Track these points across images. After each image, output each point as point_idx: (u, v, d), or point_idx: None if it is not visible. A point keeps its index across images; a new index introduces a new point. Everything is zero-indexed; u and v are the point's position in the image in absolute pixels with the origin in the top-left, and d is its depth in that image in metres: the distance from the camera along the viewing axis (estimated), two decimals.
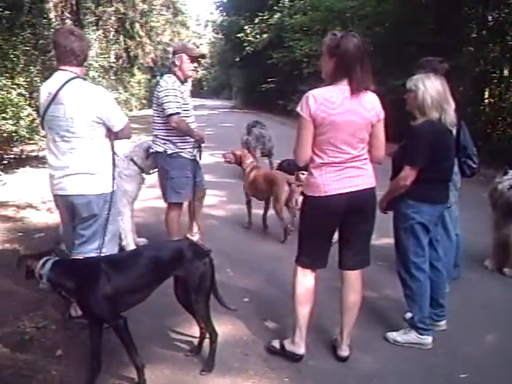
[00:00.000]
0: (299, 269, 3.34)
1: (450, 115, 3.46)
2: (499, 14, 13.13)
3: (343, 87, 3.02)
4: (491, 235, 5.02)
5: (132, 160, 5.30)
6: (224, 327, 3.74)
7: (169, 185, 4.93)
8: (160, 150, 4.92)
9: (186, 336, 3.70)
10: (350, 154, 3.07)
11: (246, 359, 3.45)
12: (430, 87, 3.41)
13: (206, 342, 3.41)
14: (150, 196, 7.05)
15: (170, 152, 4.88)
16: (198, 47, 48.70)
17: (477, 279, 4.73)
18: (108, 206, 3.66)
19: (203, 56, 4.91)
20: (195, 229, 5.39)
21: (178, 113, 4.74)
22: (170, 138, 4.88)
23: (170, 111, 4.71)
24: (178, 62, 4.89)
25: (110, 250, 3.75)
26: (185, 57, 4.88)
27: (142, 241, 5.51)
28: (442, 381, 3.24)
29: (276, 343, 3.50)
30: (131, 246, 5.21)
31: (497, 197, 4.80)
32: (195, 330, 3.53)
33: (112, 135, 3.69)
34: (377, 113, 3.12)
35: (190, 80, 5.11)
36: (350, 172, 3.10)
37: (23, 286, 4.10)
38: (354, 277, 3.35)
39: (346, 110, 3.00)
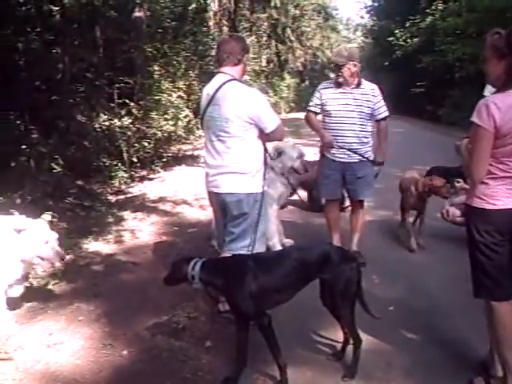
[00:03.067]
0: (491, 304, 2.97)
1: None
2: None
3: None
4: None
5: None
6: (367, 335, 3.68)
7: None
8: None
9: (330, 340, 3.71)
10: None
11: (388, 370, 3.39)
12: None
13: (349, 347, 3.40)
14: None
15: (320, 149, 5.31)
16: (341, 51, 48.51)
17: None
18: (258, 205, 3.77)
19: (339, 63, 4.88)
20: (354, 239, 5.37)
21: (311, 111, 5.19)
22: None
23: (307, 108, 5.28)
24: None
25: (258, 248, 3.85)
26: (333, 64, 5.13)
27: (289, 242, 5.61)
28: None
29: None
30: (277, 247, 5.33)
31: None
32: (339, 335, 3.54)
33: (264, 136, 3.79)
34: None
35: (368, 86, 5.09)
36: None
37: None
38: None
39: None
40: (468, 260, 3.08)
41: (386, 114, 5.16)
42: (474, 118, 2.83)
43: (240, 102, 3.63)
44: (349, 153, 5.00)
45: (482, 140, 2.81)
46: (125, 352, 3.57)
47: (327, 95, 5.06)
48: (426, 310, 4.20)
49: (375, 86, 5.10)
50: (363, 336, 3.44)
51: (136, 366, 3.41)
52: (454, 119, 19.93)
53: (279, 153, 5.34)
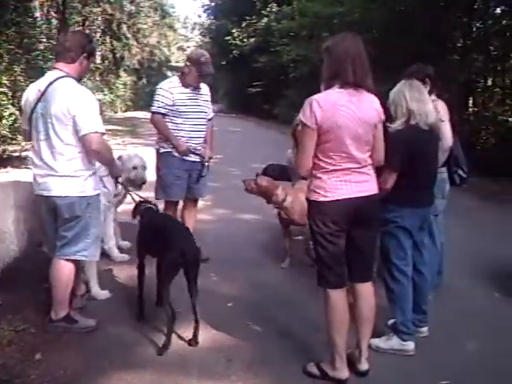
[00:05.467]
0: (327, 292, 3.12)
1: (427, 119, 3.43)
2: (484, 25, 13.34)
3: (345, 89, 2.96)
4: None
5: None
6: (207, 332, 3.71)
7: (158, 182, 5.13)
8: (156, 147, 5.16)
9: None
10: (358, 159, 3.01)
11: (228, 364, 3.40)
12: (406, 94, 3.44)
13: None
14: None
15: (161, 151, 5.06)
16: (184, 50, 48.64)
17: (459, 287, 4.71)
18: (91, 208, 3.62)
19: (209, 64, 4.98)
20: None
21: (160, 113, 4.91)
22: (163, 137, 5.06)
23: (151, 109, 5.00)
24: (186, 71, 4.97)
25: (92, 252, 3.73)
26: (194, 71, 4.91)
27: (126, 244, 5.45)
28: None
29: (314, 369, 3.26)
30: (114, 250, 5.16)
31: None
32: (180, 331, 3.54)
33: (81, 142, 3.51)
34: (379, 114, 3.09)
35: (205, 87, 5.19)
36: (358, 177, 3.03)
37: (2, 289, 4.02)
38: (368, 289, 3.25)
39: (352, 113, 2.94)
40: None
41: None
42: (300, 115, 3.00)
43: (64, 99, 3.42)
44: (197, 151, 5.01)
45: (306, 135, 2.99)
46: None
47: (178, 95, 4.91)
48: (265, 305, 4.29)
49: (207, 87, 5.23)
50: (202, 334, 3.51)
51: None
52: (289, 118, 20.94)
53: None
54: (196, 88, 5.01)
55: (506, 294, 4.62)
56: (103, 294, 4.34)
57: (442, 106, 4.16)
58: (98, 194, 3.72)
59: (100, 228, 3.93)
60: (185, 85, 4.95)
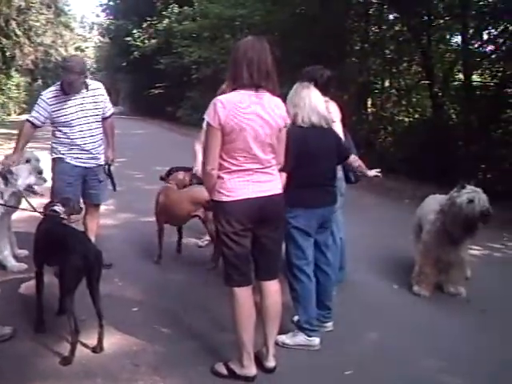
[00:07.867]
0: (233, 290, 3.14)
1: (310, 119, 3.53)
2: (379, 30, 14.05)
3: (248, 91, 3.00)
4: (423, 254, 4.74)
5: None
6: (112, 338, 3.61)
7: (52, 187, 4.91)
8: (50, 153, 4.98)
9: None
10: (261, 160, 3.05)
11: (135, 370, 3.33)
12: (296, 96, 3.56)
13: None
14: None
15: (53, 156, 4.90)
16: (83, 51, 47.09)
17: (360, 281, 4.91)
18: None
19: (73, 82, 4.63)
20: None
21: (30, 121, 4.73)
22: (53, 143, 4.89)
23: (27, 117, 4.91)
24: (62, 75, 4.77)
25: None
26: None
27: (23, 252, 5.17)
28: (329, 379, 3.33)
29: (222, 368, 3.25)
30: (9, 259, 4.89)
31: (455, 212, 4.47)
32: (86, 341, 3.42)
33: None
34: (283, 118, 3.14)
35: (95, 84, 4.97)
36: (261, 177, 3.07)
37: None
38: (274, 286, 3.29)
39: (255, 115, 2.98)
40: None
41: (113, 110, 5.20)
42: (205, 115, 3.03)
43: None
44: (91, 156, 4.86)
45: (210, 135, 3.01)
46: None
47: (58, 105, 4.68)
48: (172, 308, 4.25)
49: (101, 85, 5.06)
50: (107, 340, 3.44)
51: None
52: (193, 120, 20.80)
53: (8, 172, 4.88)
54: (77, 92, 4.76)
55: (404, 286, 4.87)
56: (18, 266, 4.81)
57: (333, 108, 4.29)
58: None
59: None
60: (66, 92, 4.72)
